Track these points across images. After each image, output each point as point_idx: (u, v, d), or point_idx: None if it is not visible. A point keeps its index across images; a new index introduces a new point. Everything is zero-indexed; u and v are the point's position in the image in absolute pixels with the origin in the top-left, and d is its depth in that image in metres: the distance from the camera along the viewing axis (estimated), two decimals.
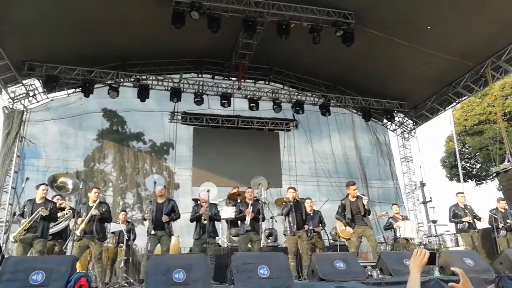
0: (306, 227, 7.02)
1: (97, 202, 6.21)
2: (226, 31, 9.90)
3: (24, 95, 11.08)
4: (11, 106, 10.84)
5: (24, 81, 10.81)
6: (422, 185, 13.63)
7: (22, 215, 6.08)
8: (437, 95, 12.71)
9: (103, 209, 6.25)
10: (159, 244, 6.58)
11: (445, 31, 9.83)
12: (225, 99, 12.11)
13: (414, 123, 14.25)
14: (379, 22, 9.98)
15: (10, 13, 8.46)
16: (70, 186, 6.49)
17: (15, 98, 10.91)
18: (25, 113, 11.04)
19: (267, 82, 13.62)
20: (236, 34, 10.86)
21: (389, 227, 8.66)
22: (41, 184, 6.30)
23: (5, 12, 8.37)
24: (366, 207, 6.83)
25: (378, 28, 10.16)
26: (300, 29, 9.63)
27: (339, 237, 7.92)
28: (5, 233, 6.47)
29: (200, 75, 12.93)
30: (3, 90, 10.49)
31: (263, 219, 7.19)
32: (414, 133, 14.38)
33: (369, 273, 5.58)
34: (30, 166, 10.76)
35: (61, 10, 8.85)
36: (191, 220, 6.99)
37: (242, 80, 12.61)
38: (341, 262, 5.41)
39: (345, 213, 6.94)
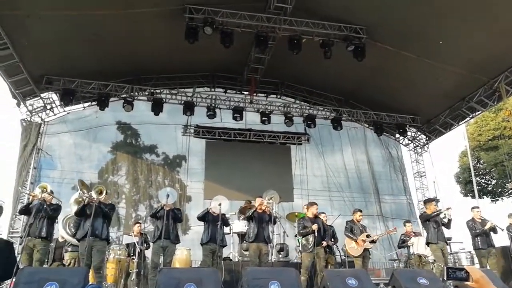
0: (324, 243, 6.97)
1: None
2: (239, 46, 10.05)
3: (42, 108, 11.37)
4: (29, 118, 11.10)
5: (42, 95, 11.08)
6: (436, 201, 13.42)
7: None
8: (450, 109, 12.60)
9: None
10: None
11: (457, 45, 9.80)
12: (237, 112, 12.22)
13: (427, 138, 14.12)
14: (390, 36, 10.02)
15: (28, 28, 8.72)
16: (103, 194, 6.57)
17: (33, 111, 11.19)
18: (42, 125, 11.32)
19: (278, 96, 13.71)
20: (248, 48, 11.01)
21: (402, 245, 8.54)
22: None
23: (23, 27, 8.65)
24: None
25: (390, 43, 10.19)
26: (311, 43, 9.72)
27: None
28: (20, 244, 6.56)
29: (213, 89, 13.10)
30: (21, 103, 10.77)
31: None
32: (427, 148, 14.22)
33: None
34: (46, 178, 10.93)
35: (78, 26, 9.08)
36: (199, 218, 7.00)
37: (254, 94, 12.72)
38: (353, 279, 5.37)
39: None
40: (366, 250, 7.21)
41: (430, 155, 14.03)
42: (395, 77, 11.61)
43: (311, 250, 6.69)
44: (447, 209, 7.21)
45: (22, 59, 9.45)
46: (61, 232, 7.53)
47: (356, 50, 9.65)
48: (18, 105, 10.78)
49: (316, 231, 6.74)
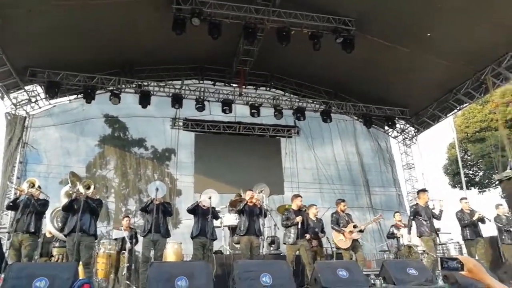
0: (307, 236, 7.00)
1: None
2: (227, 38, 9.97)
3: (26, 101, 11.13)
4: (13, 112, 10.87)
5: (26, 87, 10.84)
6: (419, 191, 13.59)
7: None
8: (438, 102, 12.73)
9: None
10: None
11: (446, 38, 9.86)
12: (226, 105, 12.14)
13: (416, 130, 14.26)
14: (379, 28, 10.03)
15: (12, 20, 8.48)
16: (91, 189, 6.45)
17: (17, 104, 10.94)
18: (27, 119, 11.08)
19: (268, 89, 13.67)
20: (237, 40, 10.92)
21: (391, 236, 8.63)
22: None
23: (7, 18, 8.40)
24: None
25: (379, 35, 10.21)
26: (300, 35, 9.67)
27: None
28: (8, 239, 6.44)
29: (201, 82, 12.98)
30: (5, 96, 10.51)
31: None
32: (416, 140, 14.38)
33: (372, 282, 5.55)
34: (32, 172, 10.74)
35: (63, 17, 8.88)
36: (189, 211, 6.99)
37: (243, 86, 12.65)
38: (344, 270, 5.40)
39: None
40: (355, 241, 7.23)
41: (418, 147, 14.21)
42: (384, 69, 11.65)
43: (293, 242, 6.72)
44: (439, 201, 7.29)
45: (4, 50, 9.24)
46: (48, 226, 7.42)
47: (345, 42, 9.65)
48: (2, 98, 10.53)
49: (299, 223, 6.76)
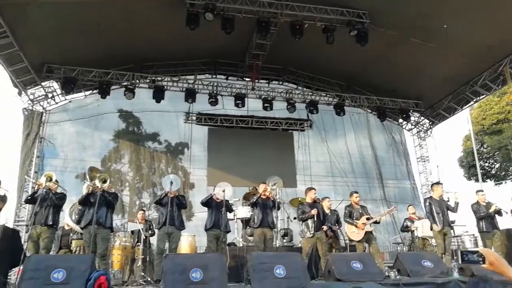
0: (324, 227, 6.99)
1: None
2: (240, 32, 9.94)
3: (43, 97, 11.32)
4: (30, 107, 11.08)
5: (43, 83, 11.02)
6: (433, 184, 13.42)
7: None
8: (453, 94, 12.50)
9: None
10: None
11: (462, 29, 9.66)
12: (239, 99, 12.14)
13: (430, 123, 14.05)
14: (393, 21, 9.89)
15: (28, 17, 8.62)
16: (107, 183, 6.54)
17: (35, 100, 11.15)
18: (44, 114, 11.29)
19: (281, 82, 13.62)
20: (250, 34, 10.89)
21: (406, 229, 8.55)
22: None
23: (23, 15, 8.55)
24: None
25: (393, 27, 10.07)
26: (313, 29, 9.61)
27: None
28: (26, 232, 6.60)
29: (214, 76, 13.01)
30: (23, 92, 10.72)
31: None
32: (431, 132, 14.18)
33: (387, 274, 5.53)
34: (49, 166, 10.96)
35: (78, 14, 8.98)
36: (203, 203, 7.04)
37: (256, 80, 12.63)
38: (357, 262, 5.39)
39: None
40: (368, 233, 7.17)
41: (433, 139, 14.01)
42: (398, 62, 11.50)
43: (311, 235, 6.71)
44: (454, 193, 7.19)
45: (22, 47, 9.36)
46: (66, 220, 7.59)
47: (359, 35, 9.55)
48: (20, 94, 10.74)
49: (315, 215, 6.75)
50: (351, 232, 7.31)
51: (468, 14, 9.16)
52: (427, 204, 7.27)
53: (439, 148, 13.78)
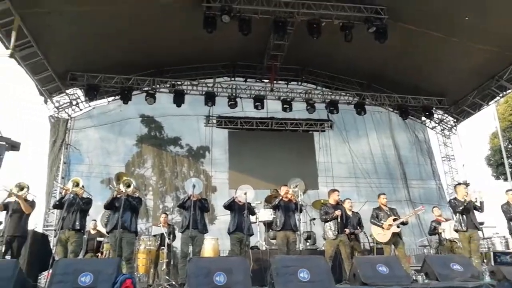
0: (347, 230, 6.89)
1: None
2: (257, 34, 9.95)
3: (68, 104, 11.63)
4: (56, 115, 11.40)
5: (67, 91, 11.32)
6: (466, 184, 13.03)
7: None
8: (478, 89, 12.14)
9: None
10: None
11: (485, 21, 9.35)
12: (258, 101, 12.15)
13: (455, 120, 13.70)
14: (413, 15, 9.69)
15: (50, 26, 8.86)
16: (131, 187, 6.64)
17: (60, 107, 11.47)
18: (69, 121, 11.61)
19: (299, 83, 13.55)
20: (267, 36, 10.88)
21: (433, 232, 8.31)
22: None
23: (46, 24, 8.79)
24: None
25: (413, 22, 9.87)
26: (331, 27, 9.52)
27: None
28: (54, 237, 6.78)
29: (233, 79, 13.05)
30: (48, 100, 11.03)
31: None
32: (455, 130, 13.83)
33: (414, 278, 5.39)
34: (75, 172, 11.25)
35: (98, 21, 9.18)
36: (225, 206, 7.06)
37: (275, 81, 12.59)
38: (383, 266, 5.27)
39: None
40: (395, 235, 7.02)
41: (458, 137, 13.64)
42: (419, 58, 11.26)
43: (334, 237, 6.63)
44: (478, 192, 6.95)
45: (46, 56, 9.64)
46: (99, 227, 7.78)
47: (377, 32, 9.41)
48: (46, 102, 11.06)
49: (339, 216, 6.66)
50: (377, 234, 7.16)
51: (490, 5, 8.85)
52: (451, 204, 7.08)
53: (465, 146, 13.39)
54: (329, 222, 6.78)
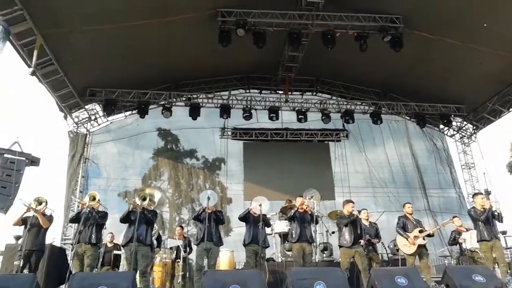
0: (361, 241, 6.75)
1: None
2: (272, 46, 10.02)
3: (87, 119, 11.92)
4: (75, 130, 11.67)
5: (86, 106, 11.61)
6: (488, 193, 12.64)
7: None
8: (498, 95, 11.88)
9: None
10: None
11: (503, 27, 9.21)
12: (273, 112, 12.20)
13: (474, 127, 13.41)
14: (429, 23, 9.62)
15: (71, 44, 9.15)
16: (155, 199, 6.68)
17: (79, 122, 11.75)
18: (87, 136, 11.86)
19: (314, 93, 13.55)
20: (282, 47, 10.95)
21: (453, 242, 8.07)
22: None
23: (66, 43, 9.07)
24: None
25: (429, 30, 9.79)
26: (346, 37, 9.52)
27: (397, 250, 7.52)
28: (72, 250, 6.87)
29: (247, 91, 13.17)
30: (68, 115, 11.32)
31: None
32: (475, 137, 13.52)
33: None
34: (93, 186, 11.44)
35: (115, 38, 9.43)
36: (240, 218, 7.01)
37: (289, 92, 12.62)
38: (402, 277, 5.12)
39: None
40: (421, 246, 6.80)
41: (478, 145, 13.31)
42: (436, 65, 11.13)
43: (349, 246, 6.47)
44: (495, 203, 6.74)
45: (66, 73, 9.94)
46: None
47: (393, 41, 9.38)
48: (65, 117, 11.35)
49: (354, 219, 6.58)
50: (403, 245, 6.97)
51: (508, 11, 8.71)
52: (470, 214, 6.87)
53: (486, 154, 13.03)
54: (345, 229, 6.63)
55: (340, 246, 6.64)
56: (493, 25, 9.15)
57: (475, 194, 7.29)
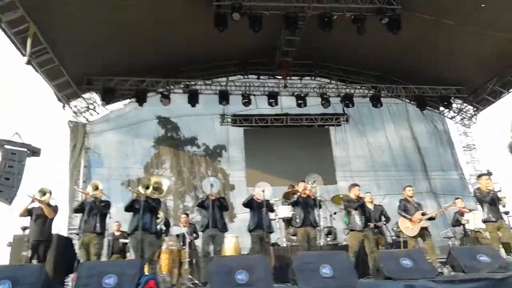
0: (371, 224, 6.80)
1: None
2: (268, 30, 9.89)
3: (85, 108, 11.79)
4: (74, 119, 11.58)
5: (84, 95, 11.47)
6: (489, 174, 12.70)
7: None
8: (498, 77, 11.81)
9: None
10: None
11: (502, 8, 9.09)
12: (272, 98, 12.12)
13: (475, 109, 13.37)
14: (427, 4, 9.48)
15: (64, 30, 8.98)
16: (164, 188, 6.69)
17: (78, 112, 11.64)
18: (87, 125, 11.78)
19: (313, 78, 13.42)
20: (278, 32, 10.81)
21: (457, 223, 8.13)
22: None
23: (61, 31, 8.92)
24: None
25: (427, 11, 9.66)
26: (343, 20, 9.39)
27: (400, 232, 7.58)
28: (78, 240, 6.90)
29: (246, 76, 13.04)
30: (66, 105, 11.22)
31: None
32: (476, 119, 13.50)
33: (440, 271, 5.28)
34: (96, 175, 11.36)
35: (111, 26, 9.28)
36: (244, 204, 7.08)
37: (288, 77, 12.51)
38: (407, 259, 5.17)
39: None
40: (423, 229, 6.87)
41: (479, 126, 13.32)
42: (435, 47, 10.99)
43: (360, 229, 6.52)
44: (499, 188, 6.78)
45: (62, 62, 9.77)
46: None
47: (390, 23, 9.24)
48: (64, 107, 11.24)
49: (364, 205, 6.61)
50: (405, 227, 7.02)
51: None
52: (476, 196, 6.91)
53: (487, 135, 13.07)
54: (354, 213, 6.67)
55: (351, 230, 6.68)
56: (491, 6, 9.04)
57: (479, 176, 7.33)
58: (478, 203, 6.94)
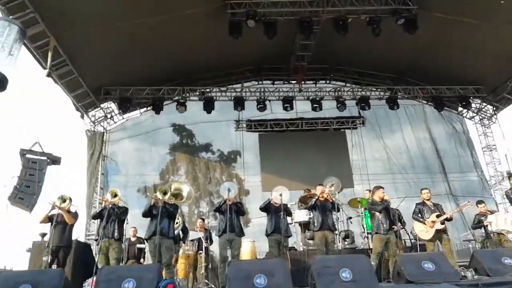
0: (395, 228, 6.68)
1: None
2: (283, 35, 9.91)
3: (103, 117, 12.03)
4: (92, 128, 11.81)
5: (101, 105, 11.72)
6: (510, 175, 12.35)
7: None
8: None
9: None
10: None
11: None
12: (287, 102, 12.12)
13: (494, 108, 13.06)
14: (443, 3, 9.33)
15: (84, 44, 9.19)
16: (184, 194, 6.72)
17: (96, 121, 11.87)
18: (105, 134, 12.00)
19: (328, 81, 13.38)
20: (293, 36, 10.83)
21: (478, 225, 7.90)
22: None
23: (79, 43, 9.13)
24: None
25: (443, 10, 9.51)
26: (358, 22, 9.34)
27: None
28: (97, 245, 6.98)
29: (260, 82, 13.10)
30: (84, 115, 11.45)
31: None
32: (495, 118, 13.18)
33: (463, 274, 5.13)
34: (113, 182, 11.57)
35: (127, 37, 9.45)
36: (261, 208, 7.04)
37: (302, 82, 12.50)
38: (429, 263, 5.04)
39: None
40: (440, 231, 6.70)
41: (500, 126, 12.97)
42: (452, 46, 10.83)
43: (385, 232, 6.40)
44: None
45: (80, 73, 10.01)
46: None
47: (407, 23, 9.13)
48: (82, 117, 11.49)
49: (388, 207, 6.53)
50: (420, 230, 6.87)
51: None
52: (508, 196, 6.72)
53: (507, 134, 12.72)
54: (379, 216, 6.56)
55: (376, 232, 6.57)
56: (510, 3, 8.85)
57: (510, 176, 7.13)
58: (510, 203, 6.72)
